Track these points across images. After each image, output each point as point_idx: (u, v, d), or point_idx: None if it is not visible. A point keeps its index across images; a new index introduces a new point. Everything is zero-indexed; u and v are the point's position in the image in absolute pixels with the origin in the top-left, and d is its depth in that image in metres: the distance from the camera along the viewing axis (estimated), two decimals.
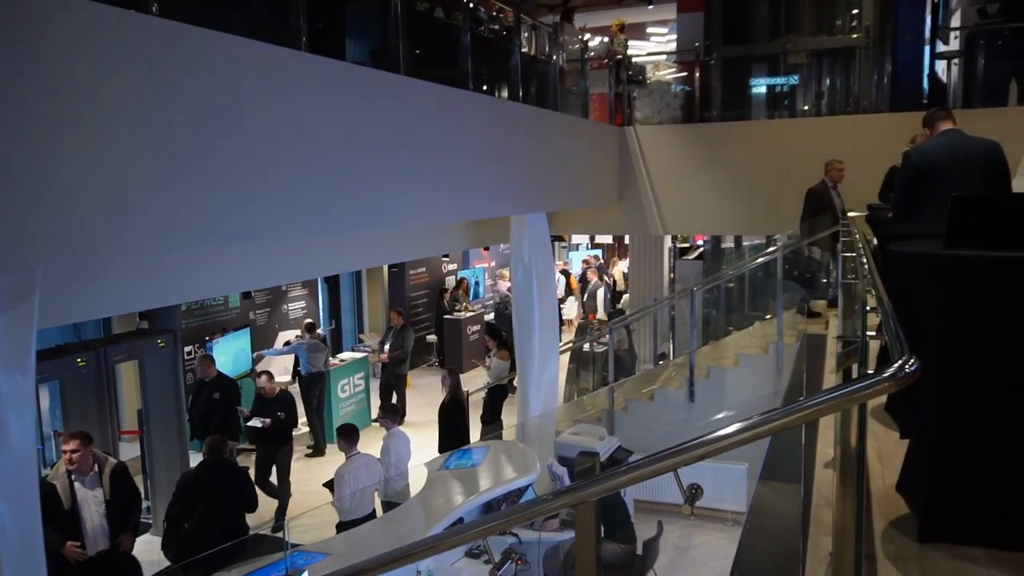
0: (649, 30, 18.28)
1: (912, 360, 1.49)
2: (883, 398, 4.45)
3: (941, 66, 10.65)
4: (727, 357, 8.39)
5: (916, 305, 3.00)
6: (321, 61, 4.64)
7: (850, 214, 6.73)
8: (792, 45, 10.19)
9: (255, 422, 8.76)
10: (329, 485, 7.15)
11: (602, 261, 19.19)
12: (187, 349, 10.22)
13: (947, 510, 2.80)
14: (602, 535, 6.13)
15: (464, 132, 6.33)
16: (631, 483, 1.79)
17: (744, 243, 12.12)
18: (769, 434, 1.52)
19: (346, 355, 12.70)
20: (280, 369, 11.86)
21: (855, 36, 10.08)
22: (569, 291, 16.94)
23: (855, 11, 10.39)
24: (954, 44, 10.80)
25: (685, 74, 10.77)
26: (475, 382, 11.35)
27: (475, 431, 9.41)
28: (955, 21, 13.74)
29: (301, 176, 4.46)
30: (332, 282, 14.49)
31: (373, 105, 5.17)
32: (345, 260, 8.10)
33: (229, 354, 10.47)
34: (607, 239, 20.84)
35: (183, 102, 3.57)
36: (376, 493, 7.38)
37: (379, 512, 7.28)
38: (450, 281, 15.38)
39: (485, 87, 8.15)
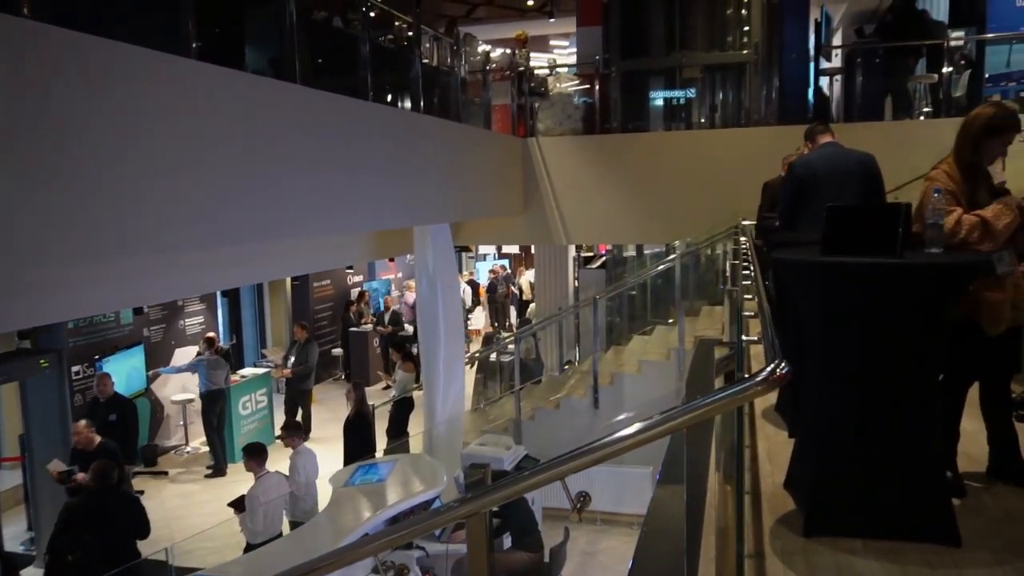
0: (552, 43, 18.57)
1: (782, 363, 1.54)
2: (772, 399, 4.65)
3: (825, 82, 11.23)
4: (630, 364, 8.56)
5: (799, 309, 3.15)
6: (210, 69, 4.49)
7: (742, 222, 6.98)
8: (686, 60, 10.53)
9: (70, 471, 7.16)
10: (235, 504, 6.90)
11: (509, 271, 19.30)
12: (75, 369, 9.69)
13: (829, 505, 2.94)
14: (510, 544, 6.14)
15: (365, 143, 6.25)
16: (518, 494, 1.80)
17: (646, 251, 12.42)
18: (638, 445, 1.56)
19: (248, 371, 12.32)
20: (178, 387, 11.41)
21: (745, 52, 10.50)
22: (477, 301, 16.95)
23: (745, 28, 10.83)
24: (836, 61, 11.41)
25: (586, 86, 10.98)
26: (382, 395, 11.20)
27: (381, 445, 9.28)
28: (837, 40, 14.54)
29: (194, 186, 4.30)
30: (232, 296, 14.04)
31: (269, 115, 5.04)
32: (245, 273, 7.85)
33: (121, 373, 9.98)
34: (514, 249, 20.99)
35: (50, 107, 3.39)
36: (284, 513, 7.18)
37: (287, 533, 7.08)
38: (355, 293, 15.16)
39: (388, 98, 8.08)
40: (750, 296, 2.97)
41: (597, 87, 10.60)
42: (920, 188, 3.28)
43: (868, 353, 2.81)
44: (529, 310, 15.24)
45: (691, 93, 10.83)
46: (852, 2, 14.86)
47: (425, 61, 9.02)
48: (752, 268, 3.73)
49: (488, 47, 11.17)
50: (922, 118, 9.83)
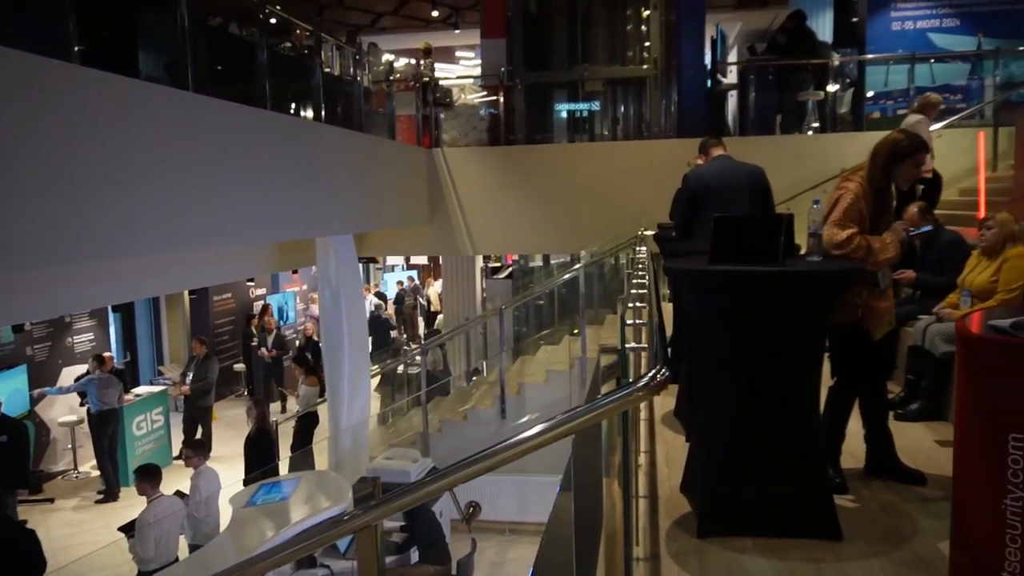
0: (458, 54, 18.61)
1: (663, 369, 1.58)
2: (671, 404, 4.77)
3: (721, 97, 11.66)
4: (537, 373, 8.62)
5: (691, 316, 3.24)
6: (93, 74, 4.29)
7: (640, 232, 7.16)
8: (589, 73, 10.74)
9: None
10: (126, 529, 6.55)
11: (417, 282, 19.17)
12: None
13: (721, 506, 3.03)
14: (417, 558, 6.06)
15: (263, 152, 6.10)
16: (406, 506, 1.78)
17: (552, 261, 12.56)
18: (525, 454, 1.57)
19: (143, 389, 11.78)
20: (66, 409, 10.80)
21: (645, 67, 10.79)
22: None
23: (646, 44, 11.14)
24: (732, 78, 11.87)
25: (491, 98, 11.04)
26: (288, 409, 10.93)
27: (285, 462, 9.02)
28: (732, 57, 15.12)
29: (79, 196, 4.10)
30: (126, 311, 13.41)
31: (160, 123, 4.86)
32: (137, 287, 7.51)
33: (2, 395, 9.38)
34: (422, 260, 20.87)
35: None
36: (183, 537, 6.87)
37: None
38: (258, 307, 14.73)
39: (289, 107, 7.92)
40: (643, 304, 3.05)
41: (502, 99, 10.67)
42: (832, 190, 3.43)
43: (754, 357, 2.92)
44: (437, 321, 15.17)
45: (594, 106, 11.04)
46: (746, 21, 15.51)
47: (327, 70, 8.89)
48: (648, 277, 3.83)
49: (392, 57, 11.11)
50: (810, 133, 10.33)
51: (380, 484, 1.83)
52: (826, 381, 3.39)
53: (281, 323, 15.15)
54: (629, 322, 2.82)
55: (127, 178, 4.50)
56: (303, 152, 6.79)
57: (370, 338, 15.57)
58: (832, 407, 3.50)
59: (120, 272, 6.48)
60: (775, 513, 2.99)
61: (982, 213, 7.01)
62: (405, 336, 16.51)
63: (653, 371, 1.61)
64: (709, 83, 11.23)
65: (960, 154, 8.67)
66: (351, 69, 9.50)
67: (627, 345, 1.91)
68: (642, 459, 4.02)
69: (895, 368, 5.00)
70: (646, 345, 2.08)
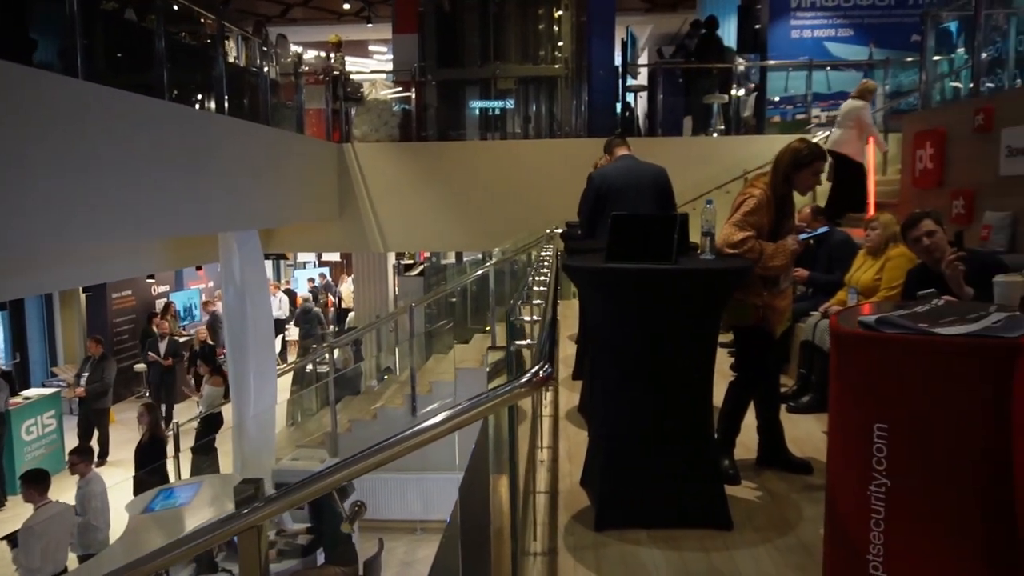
0: (372, 48, 18.38)
1: (545, 365, 1.60)
2: (575, 400, 4.82)
3: (631, 98, 11.90)
4: (448, 371, 8.59)
5: (589, 312, 3.28)
6: None
7: (547, 231, 7.23)
8: (501, 71, 10.78)
9: None
10: (10, 538, 6.19)
11: (329, 279, 18.83)
12: None
13: (617, 499, 3.08)
14: (323, 560, 5.94)
15: (161, 144, 5.87)
16: (290, 506, 1.74)
17: (465, 258, 12.55)
18: (405, 454, 1.57)
19: (33, 392, 11.17)
20: None
21: (556, 67, 10.91)
22: (294, 311, 16.37)
23: (558, 43, 11.25)
24: (643, 79, 12.12)
25: (403, 93, 10.95)
26: (189, 411, 10.55)
27: (187, 464, 8.72)
28: (644, 59, 15.43)
29: None
30: (15, 309, 12.68)
31: (45, 112, 4.61)
32: (25, 284, 7.12)
33: None
34: (335, 257, 20.52)
35: None
36: (70, 548, 6.54)
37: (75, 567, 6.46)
38: (161, 305, 14.18)
39: (189, 97, 7.65)
40: (540, 301, 3.08)
41: (414, 95, 10.59)
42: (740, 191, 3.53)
43: (649, 353, 2.98)
44: (349, 319, 14.93)
45: (507, 104, 11.09)
46: (656, 25, 15.87)
47: (231, 61, 8.63)
48: (550, 275, 3.86)
49: (300, 49, 10.87)
50: (715, 135, 10.65)
51: (263, 486, 1.78)
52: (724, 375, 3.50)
53: (186, 321, 14.63)
54: (527, 319, 2.84)
55: (5, 168, 4.25)
56: (203, 144, 6.57)
57: (297, 331, 15.21)
58: (731, 401, 3.62)
59: (4, 268, 6.13)
60: (670, 504, 3.06)
61: (872, 214, 7.35)
62: (334, 328, 16.10)
63: (536, 368, 1.62)
64: (620, 84, 11.43)
65: None
66: (257, 60, 9.25)
67: (519, 342, 1.92)
68: (545, 454, 4.06)
69: (787, 363, 5.21)
70: (533, 342, 2.10)
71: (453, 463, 6.64)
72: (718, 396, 3.55)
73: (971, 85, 7.23)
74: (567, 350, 6.50)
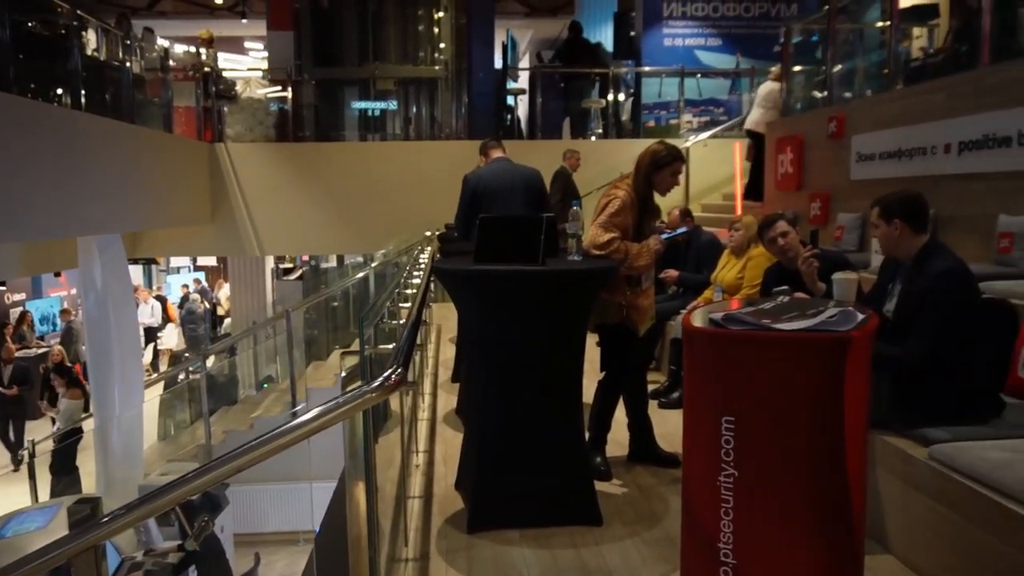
0: (247, 44, 17.78)
1: (398, 369, 1.57)
2: (453, 403, 4.81)
3: (512, 100, 12.00)
4: (328, 378, 8.39)
5: (461, 314, 3.28)
6: None
7: (427, 233, 7.19)
8: (380, 72, 10.65)
9: None
10: None
11: (204, 284, 18.07)
12: None
13: (489, 500, 3.09)
14: None
15: (9, 141, 5.46)
16: (129, 526, 1.64)
17: (347, 261, 12.33)
18: (251, 465, 1.51)
19: None
20: None
21: (437, 68, 10.88)
22: (167, 318, 15.61)
23: (440, 44, 11.22)
24: (523, 83, 12.26)
25: (279, 92, 10.64)
26: (45, 428, 9.86)
27: (45, 485, 8.15)
28: (525, 63, 15.61)
29: None
30: None
31: None
32: None
33: None
34: (211, 261, 19.71)
35: None
36: None
37: None
38: (16, 314, 13.20)
39: (47, 93, 7.14)
40: (408, 304, 3.05)
41: (290, 94, 10.31)
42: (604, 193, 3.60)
43: (518, 353, 3.00)
44: (225, 325, 14.37)
45: (387, 105, 10.97)
46: (536, 29, 16.08)
47: (93, 53, 8.14)
48: (424, 278, 3.83)
49: (167, 43, 10.37)
50: (594, 138, 10.90)
51: (102, 505, 1.67)
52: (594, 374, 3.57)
53: (45, 330, 13.69)
54: (395, 322, 2.80)
55: None
56: (58, 142, 6.16)
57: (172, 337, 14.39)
58: (600, 400, 3.69)
59: None
60: (542, 504, 3.09)
61: (737, 215, 7.70)
62: (221, 330, 15.34)
63: (388, 372, 1.59)
64: (501, 86, 11.52)
65: (721, 162, 9.51)
66: (120, 54, 8.75)
67: (368, 347, 1.89)
68: (421, 458, 4.02)
69: (655, 360, 5.37)
70: (391, 346, 2.07)
71: (333, 472, 6.49)
72: (589, 395, 3.64)
73: (825, 94, 7.70)
74: (447, 353, 6.48)
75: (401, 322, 2.81)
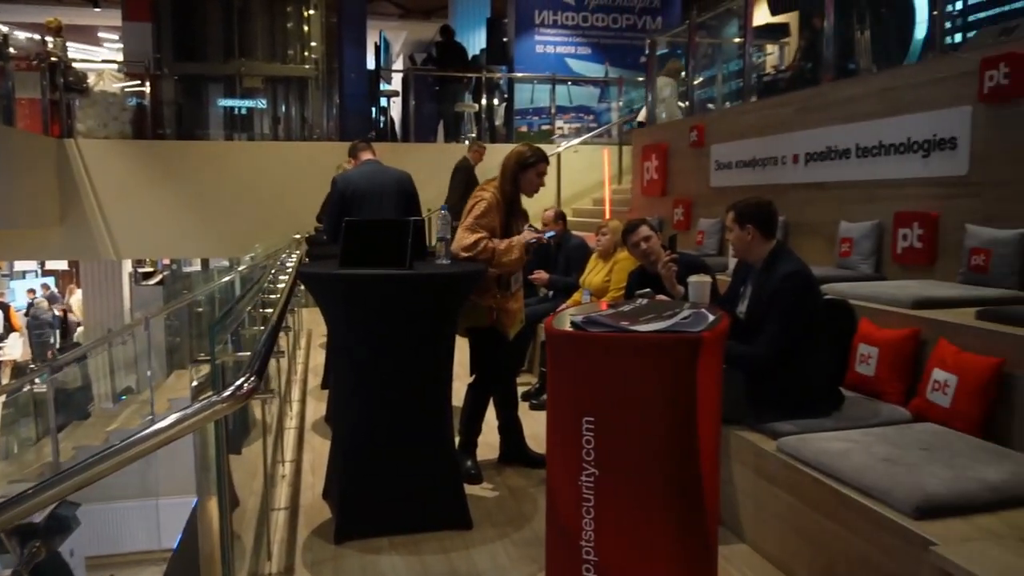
0: (102, 35, 16.74)
1: (251, 378, 1.51)
2: (323, 410, 4.70)
3: (386, 102, 11.87)
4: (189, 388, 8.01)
5: (328, 319, 3.20)
6: None
7: (295, 236, 7.00)
8: (247, 69, 10.28)
9: None
10: None
11: (54, 290, 16.86)
12: None
13: (357, 508, 3.03)
14: None
15: None
16: None
17: (212, 265, 11.81)
18: (85, 485, 1.42)
19: None
20: None
21: (307, 67, 10.60)
22: (9, 327, 14.44)
23: (311, 43, 10.94)
24: (397, 85, 12.15)
25: (137, 87, 10.06)
26: None
27: None
28: (399, 65, 15.48)
29: None
30: None
31: None
32: None
33: None
34: (62, 265, 18.41)
35: None
36: None
37: None
38: None
39: None
40: (269, 310, 2.96)
41: (149, 88, 9.77)
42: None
43: (385, 358, 2.96)
44: (77, 333, 13.45)
45: (256, 103, 10.60)
46: (411, 31, 15.99)
47: None
48: (289, 282, 3.72)
49: (6, 29, 9.61)
50: (467, 142, 10.93)
51: None
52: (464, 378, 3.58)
53: None
54: (257, 328, 2.70)
55: None
56: None
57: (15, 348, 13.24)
58: (470, 403, 3.70)
59: None
60: (411, 510, 3.06)
61: (606, 219, 7.92)
62: (73, 339, 14.28)
63: (240, 380, 1.53)
64: (374, 88, 11.37)
65: (592, 168, 9.76)
66: None
67: (222, 354, 1.81)
68: (288, 468, 3.90)
69: (524, 363, 5.44)
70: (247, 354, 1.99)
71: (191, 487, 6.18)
72: (460, 398, 3.64)
73: (687, 104, 8.06)
74: (318, 358, 6.33)
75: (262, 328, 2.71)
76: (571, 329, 2.06)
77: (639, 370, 1.99)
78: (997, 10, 6.29)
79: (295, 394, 5.37)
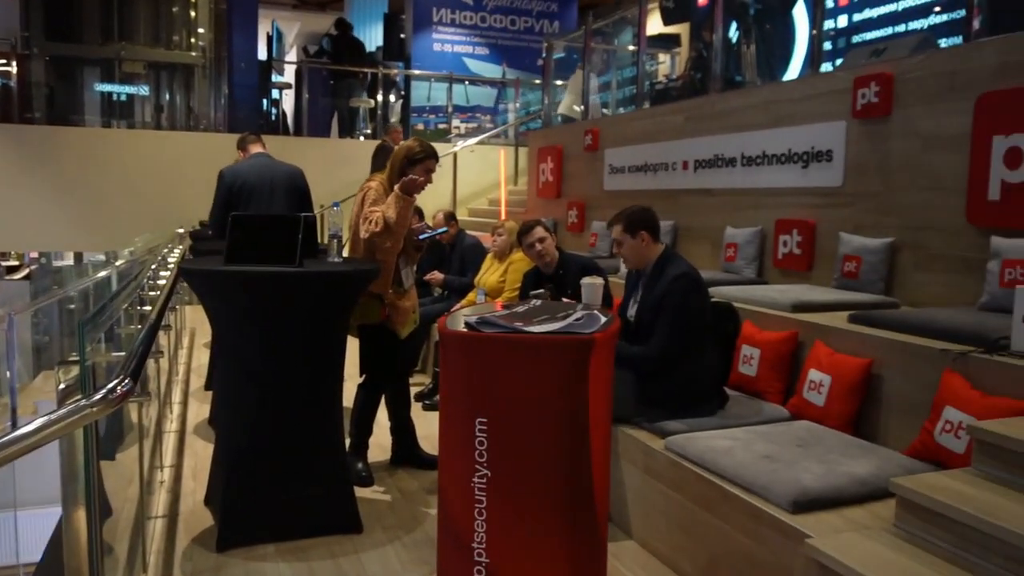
0: None
1: (125, 380, 1.42)
2: (206, 412, 4.50)
3: (278, 95, 11.53)
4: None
5: (212, 318, 3.06)
6: None
7: (178, 231, 6.70)
8: (127, 53, 9.75)
9: None
10: None
11: None
12: None
13: (241, 514, 2.91)
14: None
15: None
16: None
17: (87, 260, 11.13)
18: None
19: None
20: None
21: (193, 55, 10.16)
22: None
23: (198, 29, 10.49)
24: (290, 77, 11.81)
25: (2, 66, 9.37)
26: None
27: None
28: (292, 56, 15.06)
29: None
30: None
31: None
32: None
33: None
34: None
35: None
36: None
37: None
38: None
39: None
40: (149, 308, 2.80)
41: (15, 69, 9.11)
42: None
43: (274, 358, 2.86)
44: None
45: (136, 90, 10.07)
46: (304, 22, 15.58)
47: None
48: (170, 280, 3.54)
49: None
50: (363, 138, 10.76)
51: None
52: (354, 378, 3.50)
53: None
54: (135, 327, 2.55)
55: None
56: None
57: None
58: (360, 404, 3.62)
59: None
60: (298, 515, 2.97)
61: (501, 220, 7.96)
62: None
63: (114, 383, 1.43)
64: (265, 79, 11.02)
65: (489, 168, 9.79)
66: None
67: (88, 356, 1.69)
68: (167, 474, 3.71)
69: (418, 363, 5.39)
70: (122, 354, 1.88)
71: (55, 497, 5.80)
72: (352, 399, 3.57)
73: (582, 107, 8.19)
74: (201, 359, 6.07)
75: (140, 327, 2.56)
76: (465, 330, 2.04)
77: (532, 371, 2.00)
78: (872, 33, 6.71)
79: (176, 396, 5.13)
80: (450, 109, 10.97)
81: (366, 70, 10.74)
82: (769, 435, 2.79)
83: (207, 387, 5.12)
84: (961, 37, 5.11)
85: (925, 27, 6.29)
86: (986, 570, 1.91)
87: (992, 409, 2.39)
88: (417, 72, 11.33)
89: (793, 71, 7.36)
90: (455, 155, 9.53)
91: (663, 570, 2.79)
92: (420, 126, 11.17)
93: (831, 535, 2.13)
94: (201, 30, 10.37)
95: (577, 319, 2.13)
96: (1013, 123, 3.26)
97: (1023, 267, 3.07)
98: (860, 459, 2.54)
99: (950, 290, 3.56)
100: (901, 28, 6.49)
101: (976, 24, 3.95)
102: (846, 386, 2.97)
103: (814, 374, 3.12)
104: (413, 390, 4.16)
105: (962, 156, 3.51)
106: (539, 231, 4.00)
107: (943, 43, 5.20)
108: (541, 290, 3.49)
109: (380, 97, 10.78)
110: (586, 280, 2.86)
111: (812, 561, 2.07)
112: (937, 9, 6.29)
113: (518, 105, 11.06)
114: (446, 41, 11.54)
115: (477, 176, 9.95)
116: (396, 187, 3.32)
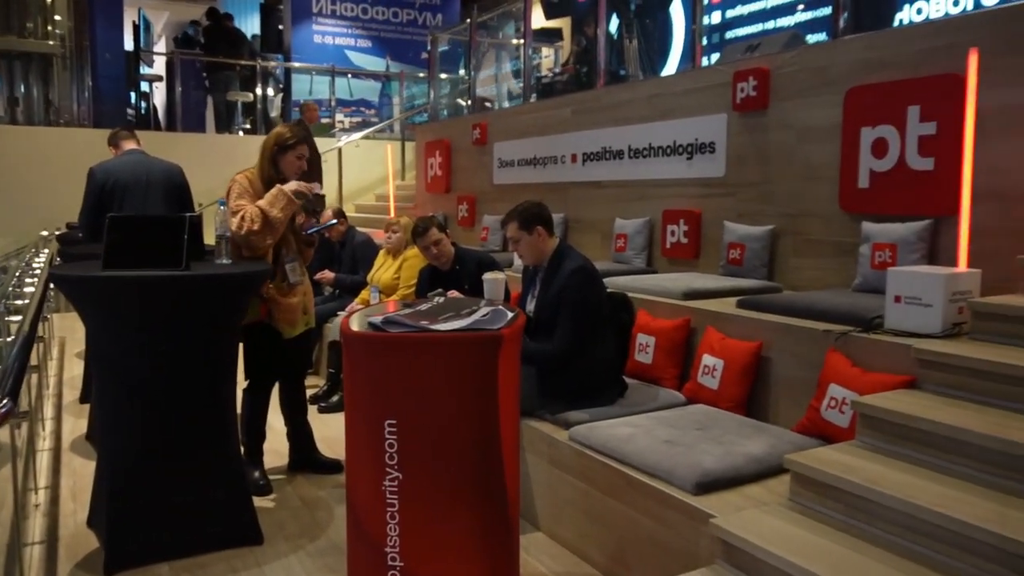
0: None
1: (4, 401, 1.30)
2: (83, 427, 4.23)
3: (148, 88, 10.92)
4: None
5: (87, 327, 2.86)
6: None
7: (42, 233, 6.25)
8: None
9: None
10: None
11: None
12: None
13: (128, 533, 2.74)
14: None
15: None
16: None
17: None
18: None
19: None
20: None
21: (51, 43, 9.47)
22: None
23: (55, 16, 9.77)
24: (161, 69, 11.19)
25: None
26: None
27: None
28: (161, 47, 14.29)
29: None
30: None
31: None
32: None
33: None
34: None
35: None
36: None
37: None
38: None
39: None
40: (18, 319, 2.59)
41: None
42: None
43: (158, 367, 2.70)
44: None
45: None
46: (173, 12, 14.82)
47: None
48: (39, 285, 3.29)
49: None
50: (241, 133, 10.35)
51: None
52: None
53: None
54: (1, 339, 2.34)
55: None
56: None
57: None
58: (248, 409, 3.46)
59: None
60: (193, 530, 2.82)
61: (392, 217, 7.84)
62: None
63: None
64: (132, 71, 10.42)
65: (375, 163, 9.62)
66: None
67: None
68: (42, 496, 3.45)
69: (311, 366, 5.23)
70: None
71: None
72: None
73: (470, 102, 8.18)
74: (74, 370, 5.68)
75: (10, 339, 2.36)
76: (370, 330, 1.99)
77: (442, 370, 1.97)
78: (745, 29, 7.01)
79: (48, 411, 4.78)
80: (333, 103, 10.70)
81: (243, 63, 10.32)
82: (668, 420, 2.88)
83: (82, 400, 4.80)
84: (826, 34, 5.42)
85: (793, 24, 6.63)
86: (874, 536, 2.03)
87: (873, 384, 2.55)
88: (297, 65, 10.99)
89: (671, 66, 7.60)
90: (340, 150, 9.31)
91: (572, 559, 2.82)
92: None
93: (733, 513, 2.22)
94: (58, 17, 9.67)
95: (484, 315, 2.12)
96: (879, 115, 3.47)
97: (891, 250, 3.29)
98: (754, 439, 2.65)
99: (826, 273, 3.77)
100: (771, 25, 6.82)
101: (842, 22, 4.18)
102: (738, 369, 3.09)
103: (707, 359, 3.23)
104: (308, 392, 4.04)
105: (834, 147, 3.72)
106: (434, 233, 3.95)
107: (811, 39, 5.50)
108: (439, 289, 3.46)
109: (259, 90, 10.39)
110: (488, 275, 2.85)
111: (716, 540, 2.15)
112: (801, 7, 6.65)
113: (403, 99, 10.92)
114: (327, 33, 11.26)
115: (363, 171, 9.76)
116: (287, 188, 3.20)
